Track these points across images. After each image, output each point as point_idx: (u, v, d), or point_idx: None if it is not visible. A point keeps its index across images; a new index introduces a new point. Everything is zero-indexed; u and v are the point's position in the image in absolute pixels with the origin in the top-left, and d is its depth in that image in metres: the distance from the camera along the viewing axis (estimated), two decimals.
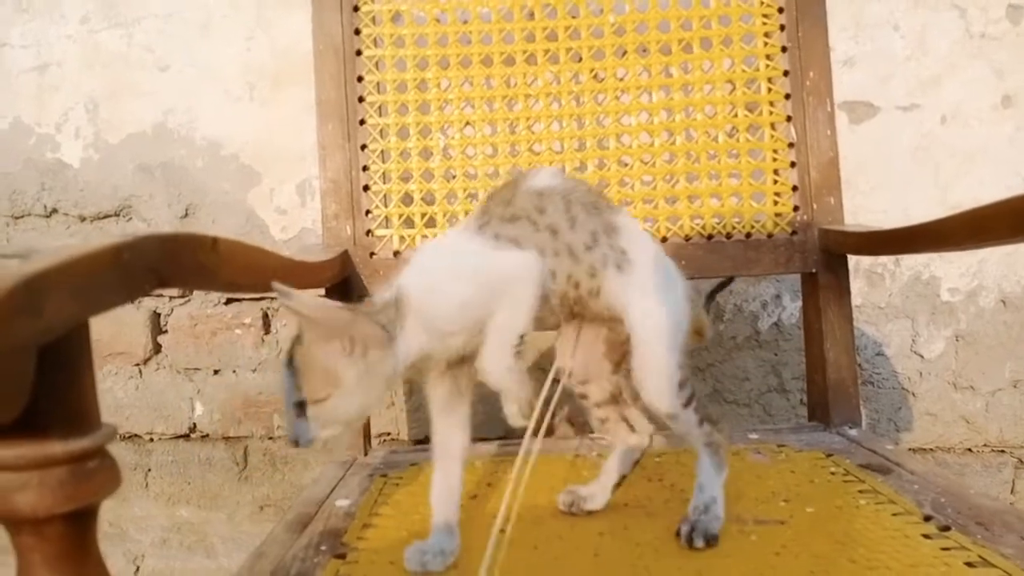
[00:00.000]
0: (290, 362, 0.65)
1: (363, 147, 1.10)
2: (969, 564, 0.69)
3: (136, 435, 1.47)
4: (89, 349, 0.43)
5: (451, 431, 0.78)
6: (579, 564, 0.73)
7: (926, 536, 0.75)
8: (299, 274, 0.85)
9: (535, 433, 0.71)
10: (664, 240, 1.10)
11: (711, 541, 0.73)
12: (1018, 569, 0.67)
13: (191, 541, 1.49)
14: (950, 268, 1.37)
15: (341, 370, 0.64)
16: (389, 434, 1.45)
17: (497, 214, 0.72)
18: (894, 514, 0.80)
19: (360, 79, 1.11)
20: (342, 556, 0.76)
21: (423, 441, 1.44)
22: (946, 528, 0.76)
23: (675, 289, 0.76)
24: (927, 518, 0.79)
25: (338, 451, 0.95)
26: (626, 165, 1.12)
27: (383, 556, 0.76)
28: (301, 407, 0.65)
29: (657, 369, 0.74)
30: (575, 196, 0.73)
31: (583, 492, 0.85)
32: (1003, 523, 0.76)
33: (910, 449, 1.41)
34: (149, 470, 1.49)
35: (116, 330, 1.44)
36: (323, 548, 0.77)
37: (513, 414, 0.72)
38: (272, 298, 1.42)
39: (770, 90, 1.11)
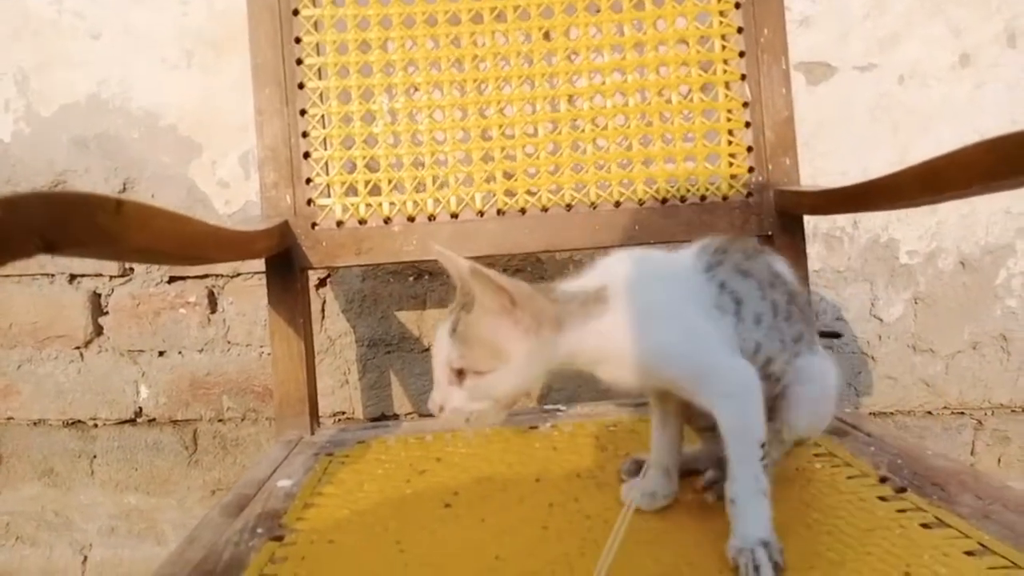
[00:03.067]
0: (453, 330, 0.64)
1: (302, 112, 1.05)
2: (925, 525, 0.67)
3: (79, 421, 1.42)
4: None
5: (668, 429, 0.75)
6: (527, 536, 0.70)
7: (882, 498, 0.74)
8: (229, 244, 0.81)
9: None
10: (618, 205, 1.07)
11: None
12: (973, 528, 0.66)
13: (140, 528, 1.44)
14: (908, 230, 1.35)
15: (512, 346, 0.63)
16: (344, 413, 1.41)
17: (734, 261, 0.70)
18: (850, 477, 0.78)
19: (298, 40, 1.05)
20: (279, 538, 0.72)
21: (379, 419, 1.40)
22: (902, 490, 0.75)
23: None
24: (883, 480, 0.77)
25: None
26: (578, 128, 1.09)
27: (322, 536, 0.72)
28: (460, 375, 0.64)
29: None
30: (797, 296, 0.74)
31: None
32: (959, 483, 0.75)
33: (871, 413, 1.41)
34: (94, 456, 1.44)
35: (54, 312, 1.38)
36: (259, 531, 0.74)
37: (739, 548, 0.62)
38: (218, 275, 1.37)
39: (724, 48, 1.08)
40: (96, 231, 0.51)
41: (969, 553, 0.62)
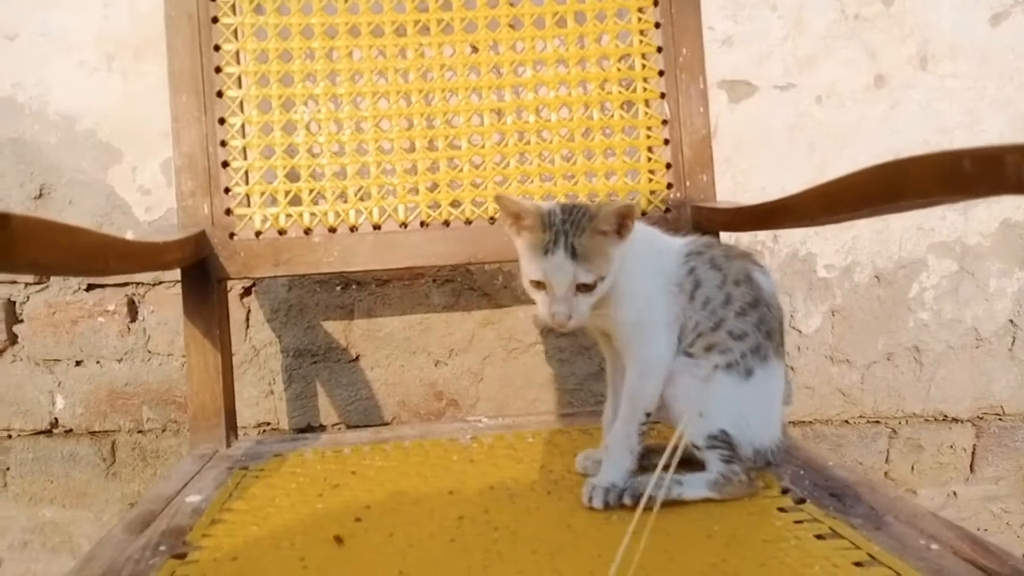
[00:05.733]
0: (573, 254, 0.76)
1: (221, 121, 1.04)
2: (819, 536, 0.70)
3: None
4: None
5: (617, 371, 0.88)
6: (433, 550, 0.70)
7: (782, 509, 0.76)
8: (134, 255, 0.79)
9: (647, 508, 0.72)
10: None
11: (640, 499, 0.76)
12: (864, 540, 0.68)
13: (55, 542, 1.40)
14: (826, 245, 1.40)
15: (615, 251, 0.78)
16: (269, 423, 1.39)
17: (711, 256, 0.83)
18: None
19: (217, 48, 1.04)
20: (182, 556, 0.71)
21: (304, 429, 1.39)
22: (801, 501, 0.77)
23: None
24: (784, 491, 0.80)
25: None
26: (502, 142, 1.09)
27: (226, 553, 0.71)
28: (587, 288, 0.77)
29: None
30: (763, 306, 0.81)
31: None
32: (855, 494, 0.77)
33: (790, 422, 1.45)
34: (8, 468, 1.39)
35: None
36: (162, 548, 0.73)
37: (593, 485, 0.79)
38: (138, 283, 1.34)
39: (644, 66, 1.10)
40: None
41: (858, 564, 0.64)
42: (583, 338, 1.39)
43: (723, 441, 0.79)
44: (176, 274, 1.30)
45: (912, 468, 1.49)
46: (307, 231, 1.05)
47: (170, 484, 0.88)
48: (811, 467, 0.85)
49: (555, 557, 0.68)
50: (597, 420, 0.93)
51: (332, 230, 1.05)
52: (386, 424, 1.40)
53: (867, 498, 0.77)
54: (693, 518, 0.74)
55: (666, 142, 1.09)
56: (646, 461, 0.85)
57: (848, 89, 1.37)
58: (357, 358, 1.39)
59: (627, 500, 0.76)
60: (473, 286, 1.38)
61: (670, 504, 0.76)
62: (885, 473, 1.49)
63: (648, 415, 0.81)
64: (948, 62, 1.37)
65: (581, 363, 1.41)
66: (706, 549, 0.68)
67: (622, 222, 0.77)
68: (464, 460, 0.94)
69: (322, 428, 1.40)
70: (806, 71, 1.36)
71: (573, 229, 0.77)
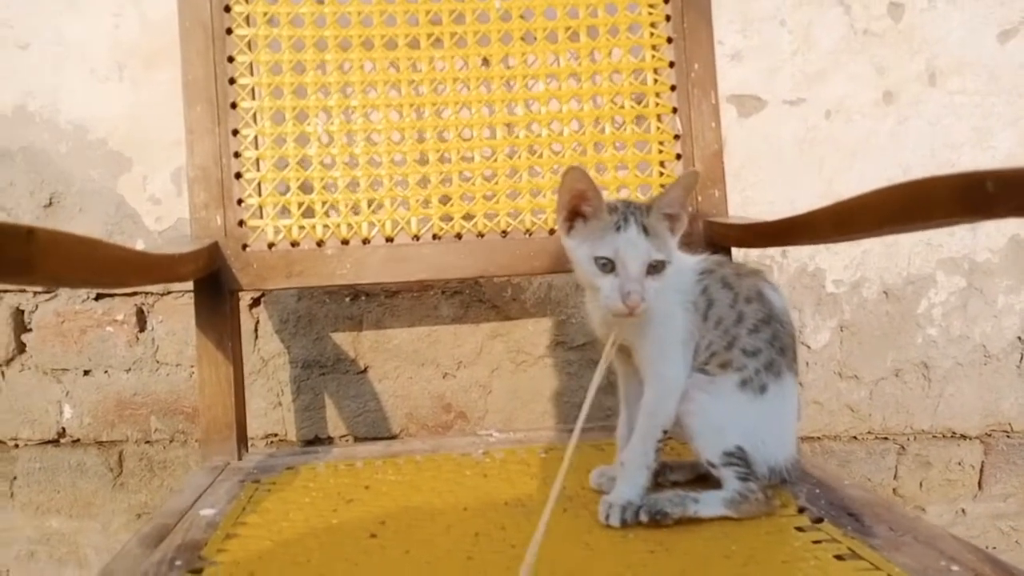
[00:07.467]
0: (646, 232, 0.76)
1: (235, 132, 1.03)
2: (839, 557, 0.69)
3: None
4: None
5: (631, 387, 0.88)
6: (450, 568, 0.70)
7: (799, 529, 0.75)
8: (150, 268, 0.79)
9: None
10: (552, 232, 1.08)
11: (657, 516, 0.76)
12: (884, 560, 0.67)
13: (62, 553, 1.39)
14: (835, 260, 1.40)
15: (671, 242, 0.79)
16: (276, 435, 1.38)
17: (723, 274, 0.83)
18: None
19: (231, 59, 1.04)
20: (198, 571, 0.71)
21: (312, 442, 1.38)
22: (819, 520, 0.77)
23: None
24: (801, 510, 0.79)
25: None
26: (514, 155, 1.09)
27: (243, 568, 0.71)
28: (656, 269, 0.76)
29: None
30: (776, 322, 0.81)
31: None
32: (873, 514, 0.77)
33: (799, 438, 1.44)
34: (14, 478, 1.38)
35: None
36: (178, 563, 0.72)
37: (610, 503, 0.78)
38: (147, 292, 1.34)
39: (656, 81, 1.10)
40: (8, 261, 0.50)
41: None
42: (592, 351, 1.38)
43: (739, 458, 0.79)
44: (185, 284, 1.31)
45: (920, 485, 1.49)
46: (320, 243, 1.04)
47: (183, 497, 0.88)
48: (826, 486, 0.85)
49: (574, 574, 0.67)
50: (609, 435, 0.93)
51: (345, 242, 1.05)
52: (394, 436, 1.40)
53: (885, 518, 0.76)
54: (710, 537, 0.74)
55: (678, 157, 1.09)
56: (661, 478, 0.85)
57: (857, 104, 1.38)
58: (365, 370, 1.38)
59: (643, 517, 0.76)
60: (482, 298, 1.38)
61: (686, 522, 0.76)
62: (893, 490, 1.49)
63: (665, 432, 0.81)
64: (956, 78, 1.38)
65: (589, 376, 1.40)
66: (724, 569, 0.68)
67: (688, 193, 0.79)
68: (477, 475, 0.94)
69: (330, 440, 1.39)
70: (815, 86, 1.37)
71: (638, 211, 0.77)
